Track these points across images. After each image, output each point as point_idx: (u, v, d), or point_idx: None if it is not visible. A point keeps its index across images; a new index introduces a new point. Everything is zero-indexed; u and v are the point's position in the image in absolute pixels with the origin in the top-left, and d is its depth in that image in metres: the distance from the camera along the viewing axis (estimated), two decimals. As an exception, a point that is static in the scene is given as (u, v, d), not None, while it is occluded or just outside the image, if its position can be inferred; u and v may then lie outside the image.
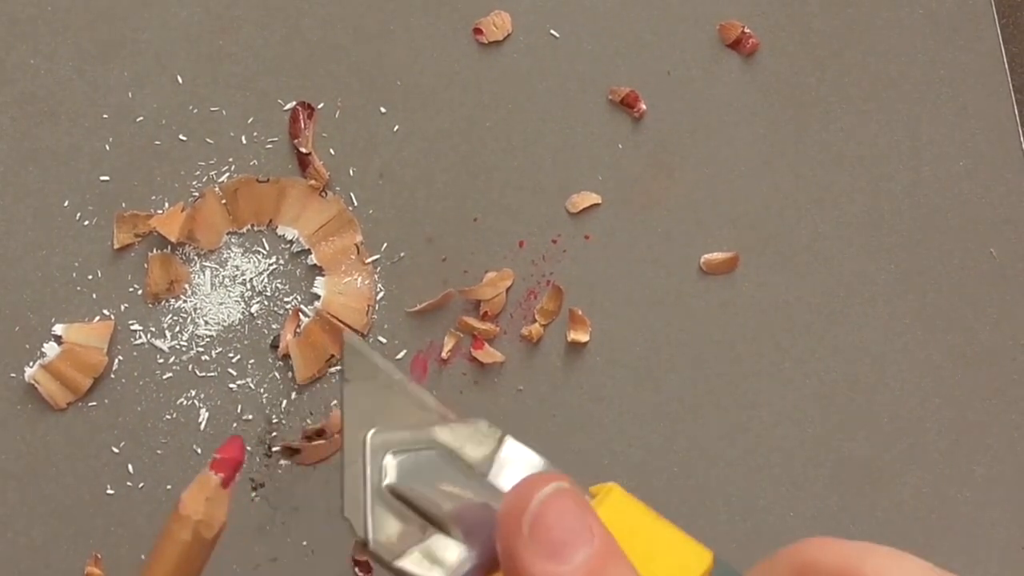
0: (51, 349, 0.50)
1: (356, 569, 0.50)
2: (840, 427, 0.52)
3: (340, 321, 0.51)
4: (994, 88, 0.55)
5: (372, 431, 0.29)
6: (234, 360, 0.51)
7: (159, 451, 0.50)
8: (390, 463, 0.29)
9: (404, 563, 0.28)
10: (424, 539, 0.28)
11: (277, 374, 0.51)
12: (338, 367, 0.51)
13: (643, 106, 0.54)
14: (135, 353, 0.51)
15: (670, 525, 0.29)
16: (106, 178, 0.52)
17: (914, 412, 0.53)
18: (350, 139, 0.53)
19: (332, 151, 0.53)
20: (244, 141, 0.53)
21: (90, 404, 0.50)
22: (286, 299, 0.52)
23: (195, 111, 0.53)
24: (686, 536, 0.29)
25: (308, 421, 0.51)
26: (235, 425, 0.51)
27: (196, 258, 0.52)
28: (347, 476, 0.29)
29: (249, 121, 0.53)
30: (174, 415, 0.50)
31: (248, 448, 0.51)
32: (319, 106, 0.53)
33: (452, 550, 0.28)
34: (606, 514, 0.28)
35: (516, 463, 0.29)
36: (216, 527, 0.35)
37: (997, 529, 0.52)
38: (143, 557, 0.49)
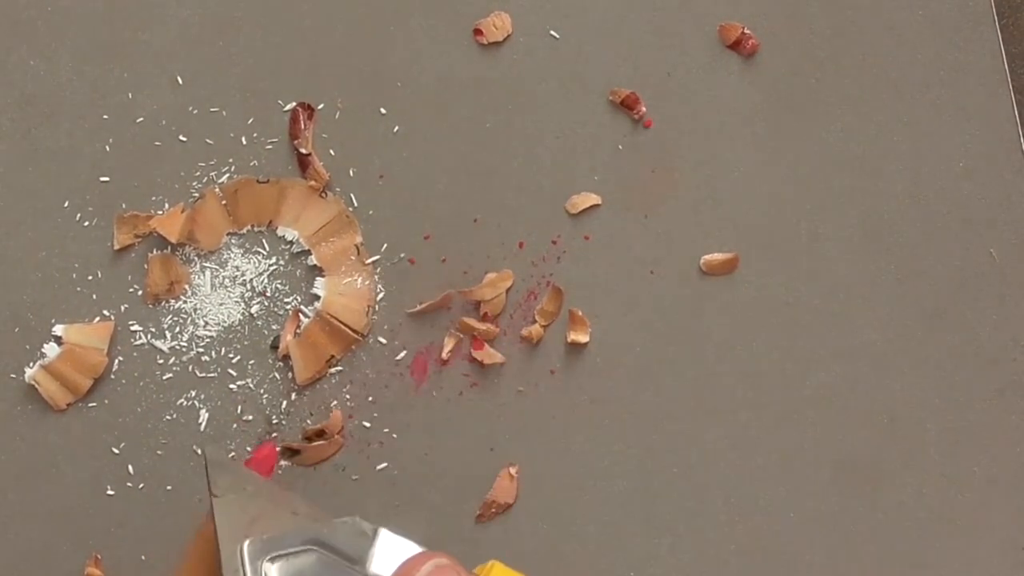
0: (51, 350, 0.50)
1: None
2: (840, 428, 0.52)
3: (340, 322, 0.51)
4: (994, 89, 0.55)
5: (247, 542, 0.29)
6: (234, 361, 0.51)
7: (159, 452, 0.50)
8: (269, 570, 0.29)
9: None
10: None
11: (277, 375, 0.51)
12: (339, 368, 0.51)
13: (643, 107, 0.54)
14: (135, 354, 0.51)
15: None
16: (106, 179, 0.52)
17: (914, 413, 0.53)
18: (350, 140, 0.53)
19: (332, 152, 0.53)
20: (244, 142, 0.53)
21: (90, 405, 0.50)
22: (286, 300, 0.52)
23: (195, 112, 0.53)
24: None
25: (308, 422, 0.51)
26: (235, 426, 0.51)
27: (196, 259, 0.52)
28: None
29: (249, 122, 0.53)
30: (174, 416, 0.51)
31: (249, 448, 0.51)
32: (319, 107, 0.53)
33: None
34: None
35: (393, 552, 0.30)
36: None
37: (997, 530, 0.52)
38: (143, 558, 0.49)
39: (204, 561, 0.34)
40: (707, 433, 0.52)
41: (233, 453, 0.50)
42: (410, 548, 0.30)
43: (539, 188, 0.53)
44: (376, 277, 0.52)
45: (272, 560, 0.29)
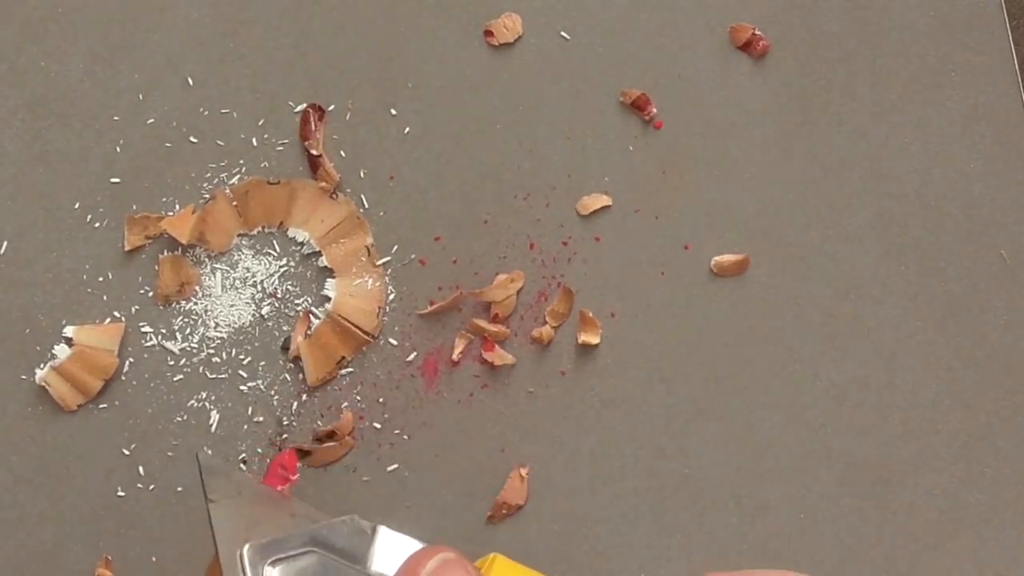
0: (62, 351, 0.50)
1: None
2: (850, 429, 0.52)
3: (351, 323, 0.51)
4: (1005, 90, 0.55)
5: (247, 546, 0.29)
6: (245, 362, 0.51)
7: (170, 453, 0.50)
8: (271, 574, 0.29)
9: None
10: None
11: (288, 376, 0.51)
12: (349, 369, 0.51)
13: (654, 108, 0.53)
14: (146, 355, 0.51)
15: None
16: (117, 180, 0.52)
17: (924, 414, 0.53)
18: (361, 141, 0.53)
19: (343, 153, 0.53)
20: (255, 143, 0.53)
21: (100, 406, 0.50)
22: (297, 301, 0.52)
23: (206, 113, 0.53)
24: None
25: (319, 423, 0.51)
26: (246, 427, 0.51)
27: (207, 260, 0.52)
28: None
29: (260, 123, 0.53)
30: (185, 417, 0.50)
31: (259, 450, 0.51)
32: (330, 108, 0.53)
33: None
34: None
35: (395, 550, 0.30)
36: None
37: (1008, 532, 0.52)
38: (154, 559, 0.49)
39: None
40: (718, 434, 0.52)
41: (244, 455, 0.50)
42: (410, 544, 0.30)
43: (550, 189, 0.53)
44: (387, 278, 0.52)
45: (273, 564, 0.29)
